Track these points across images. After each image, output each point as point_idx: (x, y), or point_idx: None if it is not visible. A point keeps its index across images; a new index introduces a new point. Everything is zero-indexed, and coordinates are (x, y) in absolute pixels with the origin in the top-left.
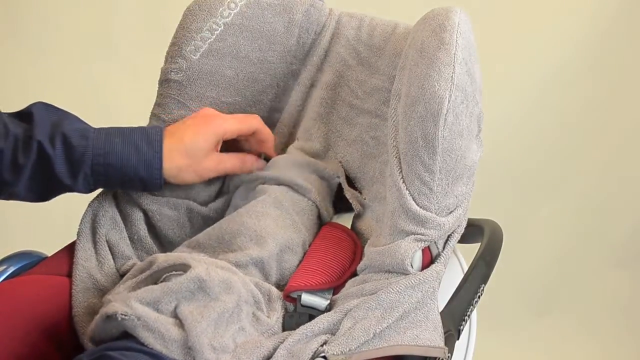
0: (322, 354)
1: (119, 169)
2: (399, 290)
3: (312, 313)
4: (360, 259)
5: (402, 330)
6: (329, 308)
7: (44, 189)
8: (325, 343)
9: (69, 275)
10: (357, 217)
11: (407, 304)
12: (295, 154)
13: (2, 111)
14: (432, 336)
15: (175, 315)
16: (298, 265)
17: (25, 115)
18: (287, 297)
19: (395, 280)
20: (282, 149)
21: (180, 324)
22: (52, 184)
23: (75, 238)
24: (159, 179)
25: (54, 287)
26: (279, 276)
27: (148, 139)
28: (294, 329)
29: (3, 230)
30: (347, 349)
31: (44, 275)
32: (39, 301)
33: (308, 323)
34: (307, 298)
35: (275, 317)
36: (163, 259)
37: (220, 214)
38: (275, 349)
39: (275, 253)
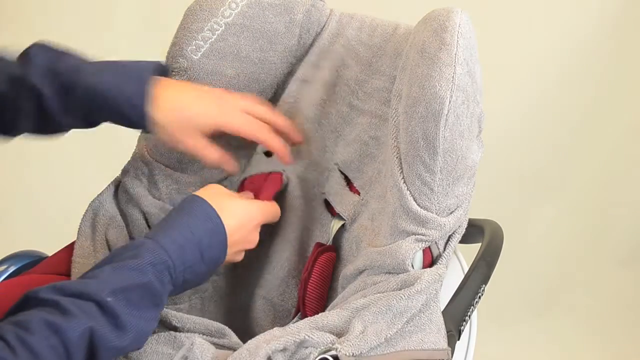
0: (334, 351)
1: (106, 105)
2: (409, 296)
3: None
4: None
5: (408, 335)
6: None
7: (52, 130)
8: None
9: (69, 274)
10: (352, 220)
11: (414, 308)
12: None
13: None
14: (436, 339)
15: None
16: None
17: (24, 58)
18: None
19: (403, 285)
20: None
21: None
22: (52, 123)
23: (75, 238)
24: (144, 121)
25: None
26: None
27: (139, 80)
28: None
29: (3, 230)
30: (359, 352)
31: (43, 275)
32: None
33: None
34: None
35: None
36: None
37: None
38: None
39: None
